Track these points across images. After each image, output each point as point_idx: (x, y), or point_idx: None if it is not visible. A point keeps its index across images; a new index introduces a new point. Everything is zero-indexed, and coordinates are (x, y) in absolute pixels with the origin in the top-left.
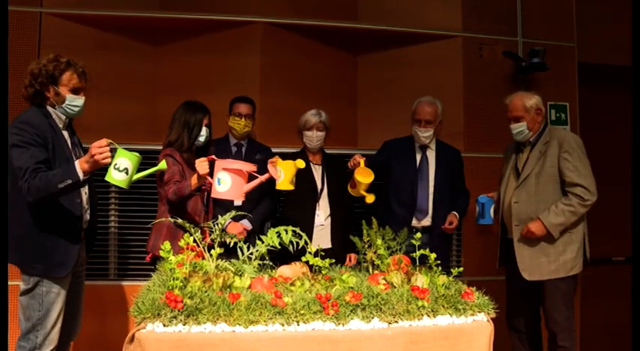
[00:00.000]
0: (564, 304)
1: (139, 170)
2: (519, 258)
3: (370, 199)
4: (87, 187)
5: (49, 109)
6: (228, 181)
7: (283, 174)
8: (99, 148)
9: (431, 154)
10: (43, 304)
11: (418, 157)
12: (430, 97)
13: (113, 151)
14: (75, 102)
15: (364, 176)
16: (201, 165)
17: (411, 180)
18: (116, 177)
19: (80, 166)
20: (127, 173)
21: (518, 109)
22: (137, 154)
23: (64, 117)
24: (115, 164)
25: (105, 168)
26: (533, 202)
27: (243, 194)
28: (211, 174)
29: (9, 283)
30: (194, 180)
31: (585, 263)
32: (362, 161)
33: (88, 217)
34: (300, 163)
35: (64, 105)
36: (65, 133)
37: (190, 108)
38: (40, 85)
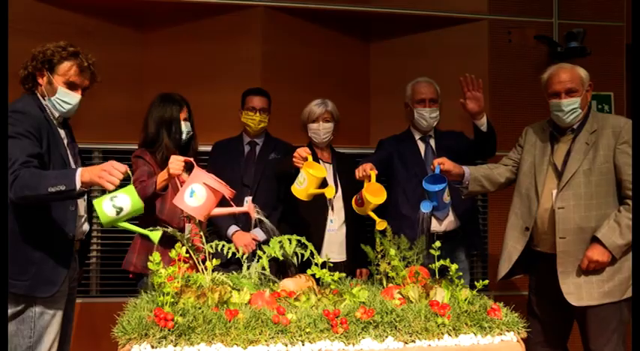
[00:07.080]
0: (617, 336)
1: (132, 221)
2: (563, 279)
3: (381, 225)
4: (86, 194)
5: (42, 100)
6: (201, 198)
7: (307, 183)
8: (113, 168)
9: (434, 144)
10: (35, 329)
11: (422, 149)
12: (425, 77)
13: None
14: (66, 97)
15: (374, 195)
16: (178, 163)
17: (420, 177)
18: (105, 209)
19: (81, 174)
20: (117, 214)
21: (574, 79)
22: (142, 205)
23: (57, 113)
24: (115, 196)
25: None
26: (584, 208)
27: (207, 216)
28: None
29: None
30: (161, 177)
31: None
32: (373, 174)
33: (86, 227)
34: (330, 192)
35: (53, 98)
36: (62, 132)
37: (163, 102)
38: (33, 68)
